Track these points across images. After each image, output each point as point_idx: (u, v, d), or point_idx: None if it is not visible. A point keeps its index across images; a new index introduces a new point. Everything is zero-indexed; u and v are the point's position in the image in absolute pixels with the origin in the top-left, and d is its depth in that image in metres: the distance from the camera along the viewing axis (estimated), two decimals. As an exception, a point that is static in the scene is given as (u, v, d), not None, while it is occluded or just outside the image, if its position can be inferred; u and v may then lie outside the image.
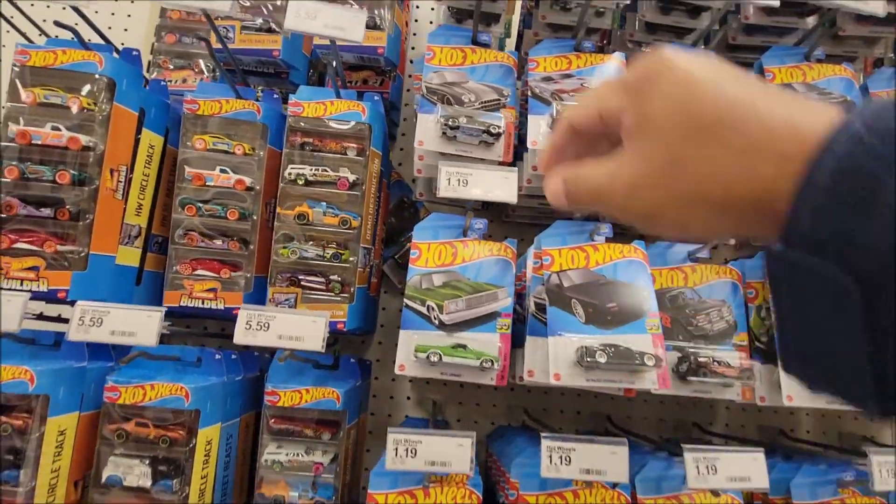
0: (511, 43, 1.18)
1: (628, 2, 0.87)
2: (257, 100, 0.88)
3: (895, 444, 1.17)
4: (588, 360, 0.62)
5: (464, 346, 0.69)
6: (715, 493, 0.71)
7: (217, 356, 0.79)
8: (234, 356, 0.84)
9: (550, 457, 0.63)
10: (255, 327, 0.63)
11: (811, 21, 0.94)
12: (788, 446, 1.05)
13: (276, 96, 0.90)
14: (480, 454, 1.10)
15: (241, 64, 0.93)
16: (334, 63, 0.79)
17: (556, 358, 0.66)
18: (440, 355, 0.67)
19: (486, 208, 1.12)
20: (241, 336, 0.62)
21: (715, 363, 0.73)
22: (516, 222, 1.13)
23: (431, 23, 1.23)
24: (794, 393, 0.72)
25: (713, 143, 0.25)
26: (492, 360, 0.67)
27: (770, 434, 1.12)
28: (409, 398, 1.13)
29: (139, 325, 0.63)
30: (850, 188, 0.20)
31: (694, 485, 0.64)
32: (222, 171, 0.84)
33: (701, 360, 0.73)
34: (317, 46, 0.88)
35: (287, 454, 0.82)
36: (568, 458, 0.63)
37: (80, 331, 0.61)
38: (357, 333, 1.08)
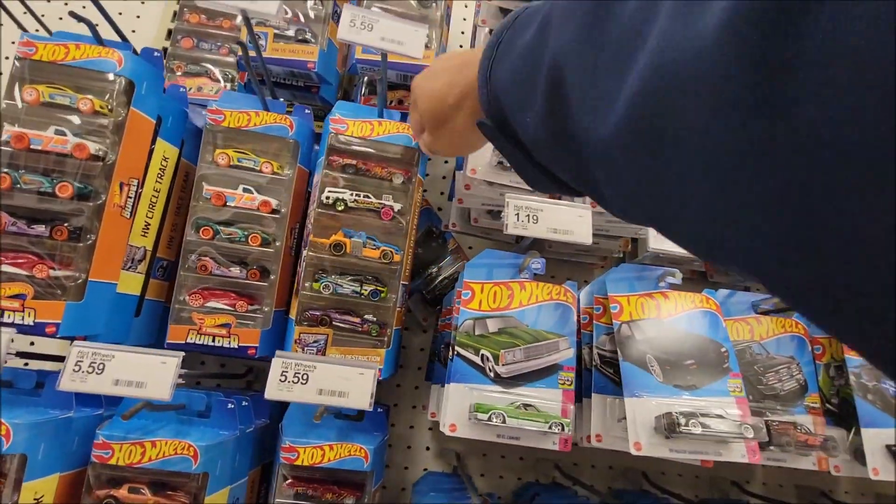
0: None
1: None
2: (288, 113, 0.79)
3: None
4: (682, 429, 0.54)
5: (531, 406, 0.60)
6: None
7: (230, 405, 0.67)
8: (245, 403, 0.73)
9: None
10: (292, 379, 0.53)
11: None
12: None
13: (308, 111, 0.81)
14: (505, 513, 0.99)
15: (270, 74, 0.85)
16: (380, 79, 0.72)
17: (634, 423, 0.58)
18: (504, 417, 0.58)
19: (518, 240, 1.04)
20: (274, 390, 0.52)
21: (795, 428, 0.66)
22: (549, 258, 1.06)
23: (469, 45, 1.17)
24: (879, 466, 0.66)
25: (447, 75, 0.44)
26: (562, 425, 0.58)
27: (811, 496, 1.05)
28: (428, 448, 1.02)
29: (150, 373, 0.51)
30: (482, 76, 0.36)
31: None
32: (246, 190, 0.74)
33: (783, 426, 0.66)
34: (358, 61, 0.80)
35: (302, 522, 0.70)
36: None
37: (76, 378, 0.50)
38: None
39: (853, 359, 0.72)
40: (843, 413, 0.73)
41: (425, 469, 1.00)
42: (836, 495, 1.08)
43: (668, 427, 0.56)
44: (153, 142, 0.71)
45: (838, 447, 0.66)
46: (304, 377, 0.53)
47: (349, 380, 0.54)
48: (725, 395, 0.62)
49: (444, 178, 1.12)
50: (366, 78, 0.94)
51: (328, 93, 0.91)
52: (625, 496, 0.95)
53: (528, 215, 0.61)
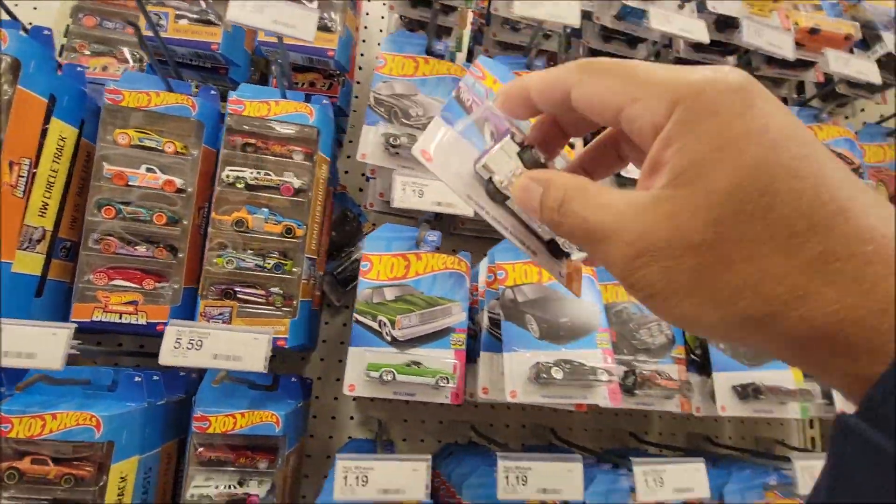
0: (461, 59, 1.19)
1: (576, 26, 0.90)
2: (193, 95, 0.80)
3: (802, 446, 1.28)
4: (544, 376, 0.62)
5: (418, 364, 0.66)
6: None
7: (136, 378, 0.70)
8: (156, 377, 0.75)
9: (507, 477, 0.62)
10: (186, 346, 0.56)
11: (731, 60, 1.03)
12: (713, 452, 1.12)
13: (213, 92, 0.83)
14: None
15: (174, 55, 0.85)
16: (280, 61, 0.75)
17: (511, 375, 0.65)
18: (394, 374, 0.64)
19: (438, 219, 1.10)
20: (168, 356, 0.55)
21: (658, 376, 0.76)
22: (464, 235, 1.12)
23: (381, 31, 1.20)
24: (727, 403, 0.77)
25: (787, 248, 0.18)
26: (447, 378, 0.65)
27: (698, 441, 1.19)
28: (352, 418, 1.07)
29: (41, 344, 0.53)
30: None
31: (643, 498, 0.66)
32: (149, 170, 0.76)
33: (646, 373, 0.76)
34: (261, 43, 0.82)
35: (217, 486, 0.74)
36: (525, 478, 0.62)
37: (-37, 352, 0.51)
38: (298, 350, 1.01)
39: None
40: (703, 362, 0.84)
41: (349, 437, 1.06)
42: (721, 440, 1.23)
43: (536, 375, 0.63)
44: (46, 121, 0.70)
45: (693, 389, 0.77)
46: (199, 343, 0.57)
47: (244, 344, 0.58)
48: (593, 347, 0.70)
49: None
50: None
51: (237, 74, 0.92)
52: (532, 450, 1.05)
53: (415, 190, 0.66)
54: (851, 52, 1.04)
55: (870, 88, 1.11)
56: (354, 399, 1.08)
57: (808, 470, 0.72)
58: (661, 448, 1.15)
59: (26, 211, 0.68)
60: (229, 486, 0.74)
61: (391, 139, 0.76)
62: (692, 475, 0.67)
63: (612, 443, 1.18)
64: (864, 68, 0.90)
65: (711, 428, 1.24)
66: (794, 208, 0.18)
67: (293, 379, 0.83)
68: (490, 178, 0.27)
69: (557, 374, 0.62)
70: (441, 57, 0.88)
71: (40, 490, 0.61)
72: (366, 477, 0.58)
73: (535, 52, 1.01)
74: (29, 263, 0.70)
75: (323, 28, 0.83)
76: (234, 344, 0.57)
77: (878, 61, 1.03)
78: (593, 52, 1.04)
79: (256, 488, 0.75)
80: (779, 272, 0.18)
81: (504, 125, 0.28)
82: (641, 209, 0.20)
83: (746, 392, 0.75)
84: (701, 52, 1.02)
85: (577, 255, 0.30)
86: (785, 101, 1.19)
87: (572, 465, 0.63)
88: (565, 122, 0.28)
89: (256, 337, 0.58)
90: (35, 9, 1.07)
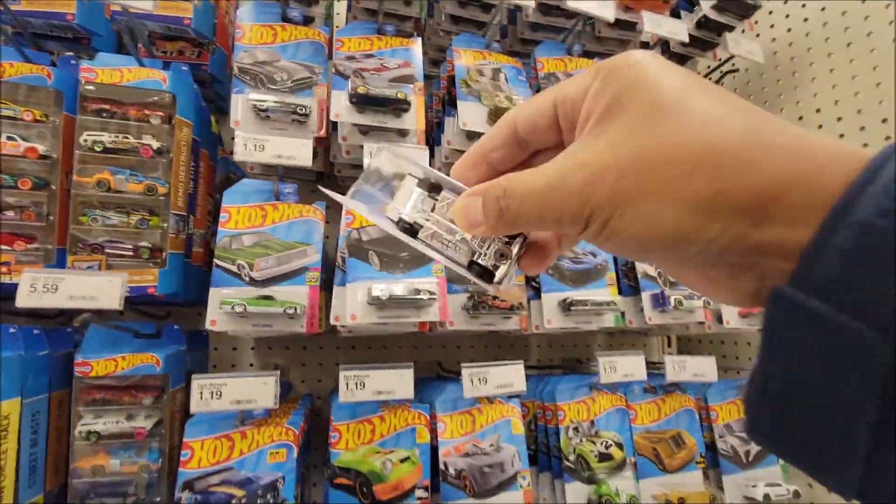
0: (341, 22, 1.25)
1: None
2: (53, 65, 0.84)
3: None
4: (373, 296, 0.73)
5: (270, 297, 0.76)
6: (489, 399, 0.88)
7: (11, 330, 0.76)
8: (36, 331, 0.81)
9: (347, 384, 0.74)
10: (42, 289, 0.64)
11: (573, 22, 1.15)
12: (582, 370, 1.29)
13: (73, 62, 0.86)
14: (324, 409, 1.18)
15: (30, 27, 0.88)
16: (130, 30, 0.80)
17: (353, 301, 0.77)
18: (245, 306, 0.73)
19: (320, 179, 1.18)
20: (24, 299, 0.62)
21: (494, 299, 0.90)
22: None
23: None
24: (552, 318, 0.92)
25: (702, 124, 0.20)
26: (295, 307, 0.75)
27: (572, 363, 1.37)
28: (251, 365, 1.17)
29: None
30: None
31: (469, 394, 0.80)
32: (9, 138, 0.80)
33: (483, 297, 0.89)
34: (114, 13, 0.86)
35: (104, 423, 0.82)
36: (363, 384, 0.74)
37: None
38: (190, 305, 1.08)
39: (543, 245, 0.96)
40: (532, 283, 0.98)
41: (249, 382, 1.15)
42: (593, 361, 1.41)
43: (370, 298, 0.75)
44: None
45: (522, 307, 0.91)
46: (54, 287, 0.64)
47: (99, 287, 0.66)
48: (430, 275, 0.82)
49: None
50: (147, 32, 0.99)
51: (102, 44, 0.95)
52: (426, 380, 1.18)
53: (255, 145, 0.75)
54: (678, 14, 1.19)
55: (701, 46, 1.26)
56: (253, 348, 1.17)
57: (609, 364, 0.88)
58: (539, 369, 1.32)
59: None
60: (117, 422, 0.83)
61: (258, 104, 0.84)
62: (512, 375, 0.82)
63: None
64: (674, 28, 1.04)
65: (584, 353, 1.42)
66: (686, 120, 0.21)
67: (176, 327, 0.91)
68: (399, 220, 0.31)
69: (384, 295, 0.74)
70: (297, 23, 0.94)
71: (-81, 429, 0.67)
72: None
73: (400, 18, 1.10)
74: None
75: (176, -3, 0.88)
76: (89, 286, 0.65)
77: (699, 21, 1.18)
78: (454, 18, 1.14)
79: (143, 422, 0.84)
80: (721, 167, 0.20)
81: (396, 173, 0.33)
82: (575, 151, 0.23)
83: (565, 306, 0.90)
84: (548, 17, 1.14)
85: (499, 273, 0.29)
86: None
87: (403, 372, 0.76)
88: (507, 153, 0.29)
89: (111, 279, 0.66)
90: None
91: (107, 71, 0.79)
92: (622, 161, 0.21)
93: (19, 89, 0.80)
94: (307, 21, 0.97)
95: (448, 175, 0.31)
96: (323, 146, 1.00)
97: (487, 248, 0.29)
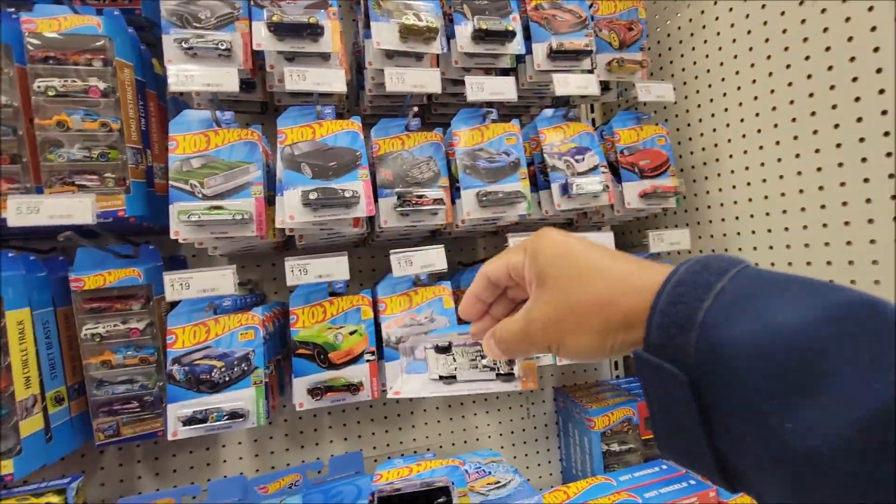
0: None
1: None
2: (-6, 21, 0.93)
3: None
4: (306, 197, 0.88)
5: (220, 207, 0.91)
6: (419, 280, 1.05)
7: (10, 254, 0.92)
8: (32, 258, 0.97)
9: (293, 271, 0.91)
10: (26, 211, 0.78)
11: None
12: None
13: (14, 16, 0.95)
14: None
15: (-33, -15, 0.96)
16: (61, -19, 0.88)
17: (290, 204, 0.92)
18: (199, 215, 0.88)
19: (264, 111, 1.29)
20: (13, 219, 0.77)
21: (419, 198, 1.05)
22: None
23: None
24: (470, 209, 1.07)
25: (590, 283, 0.36)
26: (242, 214, 0.90)
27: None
28: (227, 282, 1.34)
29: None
30: (676, 314, 0.31)
31: (397, 274, 0.97)
32: (-29, 91, 0.91)
33: (408, 196, 1.04)
34: (44, -35, 0.94)
35: (104, 327, 1.00)
36: (305, 270, 0.91)
37: None
38: (162, 233, 1.23)
39: (460, 149, 1.10)
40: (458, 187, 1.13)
41: (228, 296, 1.33)
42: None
43: (304, 199, 0.90)
44: None
45: (444, 202, 1.06)
46: (36, 209, 0.79)
47: (72, 207, 0.80)
48: (356, 180, 0.97)
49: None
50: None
51: (38, -3, 1.03)
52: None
53: (186, 76, 0.86)
54: None
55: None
56: (227, 267, 1.34)
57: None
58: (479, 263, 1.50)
59: None
60: (115, 325, 1.01)
61: (184, 44, 0.94)
62: (434, 257, 0.99)
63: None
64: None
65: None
66: (597, 271, 0.37)
67: (151, 247, 1.07)
68: (440, 377, 0.52)
69: (314, 195, 0.88)
70: (215, -40, 1.02)
71: (-46, 332, 0.85)
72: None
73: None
74: None
75: (96, -56, 0.95)
76: (65, 207, 0.80)
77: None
78: None
79: (136, 324, 1.02)
80: (603, 300, 0.36)
81: (422, 351, 0.53)
82: (530, 308, 0.41)
83: (480, 198, 1.06)
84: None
85: (515, 370, 0.50)
86: None
87: (340, 258, 0.92)
88: (489, 294, 0.47)
89: (81, 199, 0.80)
90: None
91: (45, 21, 0.89)
92: (558, 314, 0.38)
93: (-29, 45, 0.90)
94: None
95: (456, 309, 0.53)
96: (257, 76, 1.11)
97: (499, 363, 0.50)
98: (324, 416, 1.40)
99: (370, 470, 1.10)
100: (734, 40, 1.15)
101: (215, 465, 1.32)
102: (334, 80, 0.94)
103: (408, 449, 1.47)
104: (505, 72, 1.27)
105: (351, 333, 1.01)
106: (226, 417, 0.90)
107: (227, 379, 0.93)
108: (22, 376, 0.90)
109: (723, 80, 1.19)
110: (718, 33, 1.19)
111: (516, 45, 1.12)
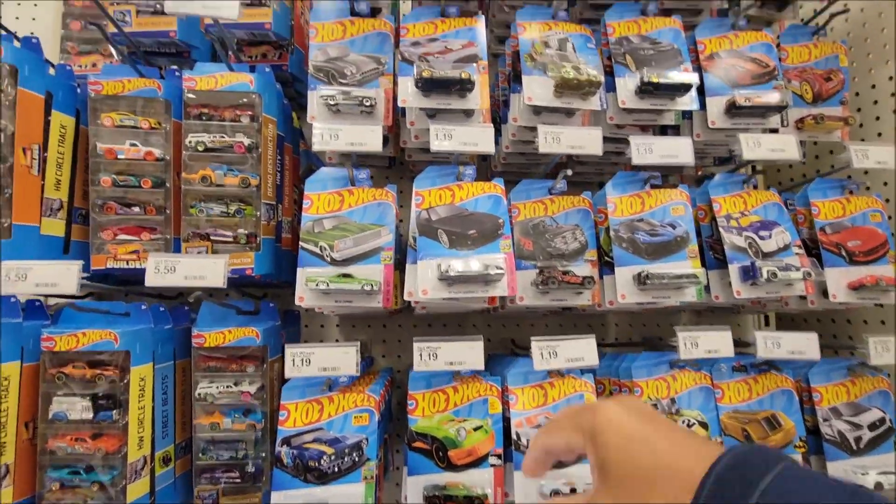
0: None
1: None
2: (161, 78, 0.97)
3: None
4: (443, 272, 0.76)
5: (349, 275, 0.82)
6: (560, 373, 0.88)
7: (143, 307, 0.90)
8: (161, 308, 0.95)
9: (420, 355, 0.78)
10: (164, 271, 0.75)
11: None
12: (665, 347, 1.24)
13: (177, 74, 0.98)
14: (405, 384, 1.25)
15: (141, 45, 1.01)
16: (220, 39, 0.89)
17: (424, 277, 0.80)
18: (327, 283, 0.80)
19: (392, 164, 1.24)
20: (151, 278, 0.74)
21: (564, 274, 0.89)
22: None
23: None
24: (626, 292, 0.89)
25: (651, 493, 0.36)
26: (371, 284, 0.81)
27: (653, 341, 1.31)
28: (337, 340, 1.27)
29: (60, 276, 0.73)
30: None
31: (539, 367, 0.80)
32: (132, 144, 0.93)
33: (552, 272, 0.89)
34: (207, 26, 0.96)
35: (217, 387, 0.95)
36: (435, 355, 0.78)
37: (8, 285, 0.72)
38: (283, 286, 1.20)
39: (615, 219, 0.93)
40: (611, 260, 0.95)
41: (336, 356, 1.26)
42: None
43: (440, 273, 0.78)
44: (48, 114, 0.89)
45: (594, 282, 0.89)
46: (173, 268, 0.75)
47: (206, 267, 0.76)
48: (497, 251, 0.84)
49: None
50: (235, 39, 1.10)
51: (199, 55, 1.07)
52: (495, 357, 1.20)
53: (331, 134, 0.80)
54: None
55: (802, -11, 1.12)
56: (338, 325, 1.27)
57: (689, 339, 0.84)
58: (618, 346, 1.28)
59: (44, 186, 0.88)
60: (227, 387, 0.95)
61: (328, 99, 0.90)
62: (583, 348, 0.81)
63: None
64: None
65: (667, 331, 1.36)
66: (649, 473, 0.37)
67: (271, 304, 1.01)
68: None
69: (452, 271, 0.76)
70: (364, 15, 0.99)
71: (81, 387, 0.83)
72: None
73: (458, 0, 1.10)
74: (53, 227, 0.90)
75: (256, 4, 0.96)
76: (199, 267, 0.75)
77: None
78: (517, -9, 1.11)
79: (248, 387, 0.95)
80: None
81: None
82: (596, 496, 0.40)
83: (640, 279, 0.87)
84: None
85: None
86: (724, 13, 1.21)
87: (474, 343, 0.78)
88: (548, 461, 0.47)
89: (215, 261, 0.76)
90: (34, 19, 1.25)
91: (204, 78, 0.89)
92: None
93: (137, 102, 0.93)
94: (374, 13, 1.01)
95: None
96: (393, 132, 1.05)
97: None
98: None
99: None
100: None
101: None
102: (482, 139, 0.83)
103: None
104: (663, 129, 1.10)
105: (475, 429, 0.85)
106: (331, 517, 0.78)
107: (337, 469, 0.81)
108: (136, 436, 0.86)
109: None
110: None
111: (688, 100, 0.95)
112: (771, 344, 0.87)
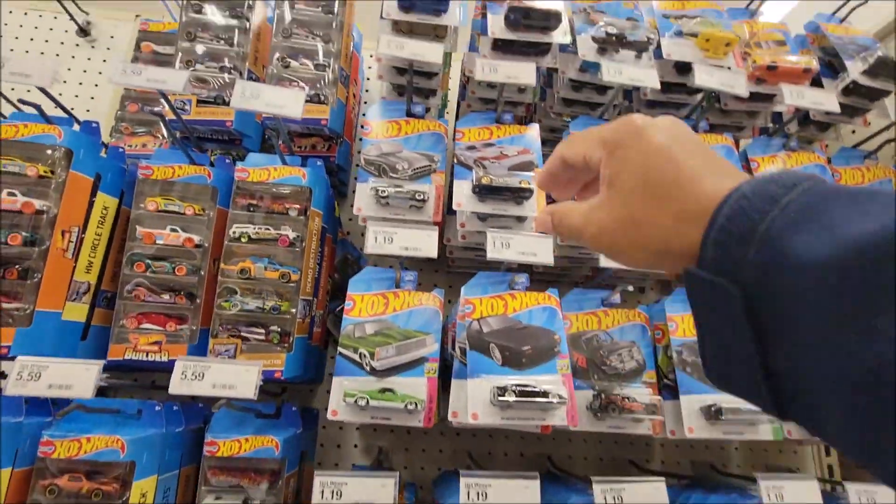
0: (452, 111, 1.32)
1: (531, 84, 0.97)
2: (211, 165, 0.96)
3: (819, 474, 1.24)
4: (500, 399, 0.68)
5: (391, 391, 0.74)
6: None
7: (157, 407, 0.82)
8: (175, 408, 0.87)
9: (468, 493, 0.68)
10: (191, 377, 0.67)
11: (698, 97, 1.10)
12: (718, 479, 1.11)
13: (227, 161, 0.98)
14: (427, 498, 1.12)
15: (196, 132, 1.02)
16: (277, 135, 0.89)
17: (474, 399, 0.72)
18: (367, 399, 0.72)
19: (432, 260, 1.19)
20: (176, 386, 0.66)
21: (624, 400, 0.80)
22: (458, 272, 1.21)
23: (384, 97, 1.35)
24: (694, 425, 0.80)
25: (660, 208, 0.33)
26: (416, 403, 0.72)
27: (702, 469, 1.18)
28: (356, 446, 1.15)
29: (77, 378, 0.66)
30: (736, 228, 0.28)
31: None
32: (172, 230, 0.90)
33: (612, 397, 0.80)
34: (265, 118, 0.97)
35: (224, 505, 0.83)
36: (485, 494, 0.68)
37: (18, 385, 0.64)
38: (304, 383, 1.11)
39: (677, 339, 0.86)
40: (676, 386, 0.87)
41: (353, 464, 1.13)
42: (729, 468, 1.21)
43: (493, 398, 0.70)
44: (93, 195, 0.87)
45: (659, 411, 0.80)
46: (201, 375, 0.68)
47: (237, 375, 0.68)
48: (554, 372, 0.76)
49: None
50: (287, 130, 1.11)
51: (250, 143, 1.07)
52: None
53: (385, 237, 0.77)
54: (819, 82, 1.09)
55: (849, 113, 1.14)
56: (358, 428, 1.16)
57: (773, 490, 0.73)
58: (662, 475, 1.15)
59: (75, 269, 0.83)
60: (235, 505, 0.83)
61: (380, 191, 0.88)
62: (651, 492, 0.71)
63: (612, 471, 1.19)
64: (820, 98, 0.94)
65: (719, 456, 1.23)
66: (664, 188, 0.33)
67: (293, 408, 0.92)
68: None
69: (511, 396, 0.68)
70: (420, 117, 1.00)
71: (76, 502, 0.72)
72: (340, 492, 0.66)
73: (511, 104, 1.13)
74: (76, 312, 0.85)
75: (316, 101, 0.98)
76: (229, 375, 0.68)
77: (847, 88, 1.07)
78: (566, 101, 1.14)
79: (259, 508, 0.84)
80: (664, 223, 0.33)
81: None
82: (595, 208, 0.37)
83: (710, 413, 0.78)
84: (667, 93, 1.10)
85: None
86: (765, 130, 1.22)
87: (529, 483, 0.68)
88: (565, 175, 0.43)
89: (248, 369, 0.69)
90: (92, 98, 1.29)
91: (257, 170, 0.88)
92: (616, 226, 0.36)
93: (189, 188, 0.92)
94: (424, 112, 1.02)
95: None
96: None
97: None
98: None
99: None
100: None
101: None
102: (541, 250, 0.79)
103: None
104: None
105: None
106: None
107: None
108: (125, 565, 0.74)
109: None
110: None
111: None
112: (864, 497, 0.76)
